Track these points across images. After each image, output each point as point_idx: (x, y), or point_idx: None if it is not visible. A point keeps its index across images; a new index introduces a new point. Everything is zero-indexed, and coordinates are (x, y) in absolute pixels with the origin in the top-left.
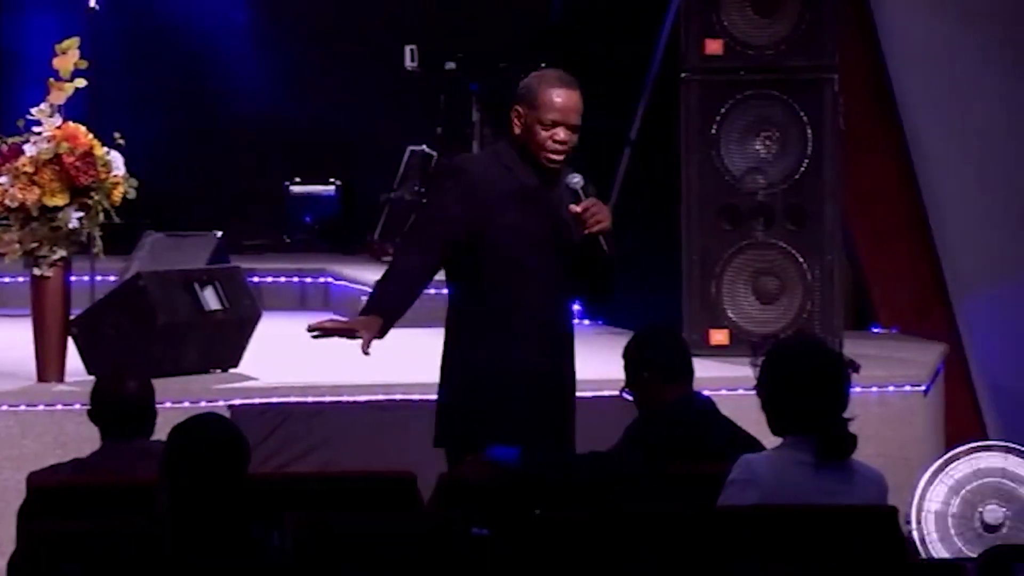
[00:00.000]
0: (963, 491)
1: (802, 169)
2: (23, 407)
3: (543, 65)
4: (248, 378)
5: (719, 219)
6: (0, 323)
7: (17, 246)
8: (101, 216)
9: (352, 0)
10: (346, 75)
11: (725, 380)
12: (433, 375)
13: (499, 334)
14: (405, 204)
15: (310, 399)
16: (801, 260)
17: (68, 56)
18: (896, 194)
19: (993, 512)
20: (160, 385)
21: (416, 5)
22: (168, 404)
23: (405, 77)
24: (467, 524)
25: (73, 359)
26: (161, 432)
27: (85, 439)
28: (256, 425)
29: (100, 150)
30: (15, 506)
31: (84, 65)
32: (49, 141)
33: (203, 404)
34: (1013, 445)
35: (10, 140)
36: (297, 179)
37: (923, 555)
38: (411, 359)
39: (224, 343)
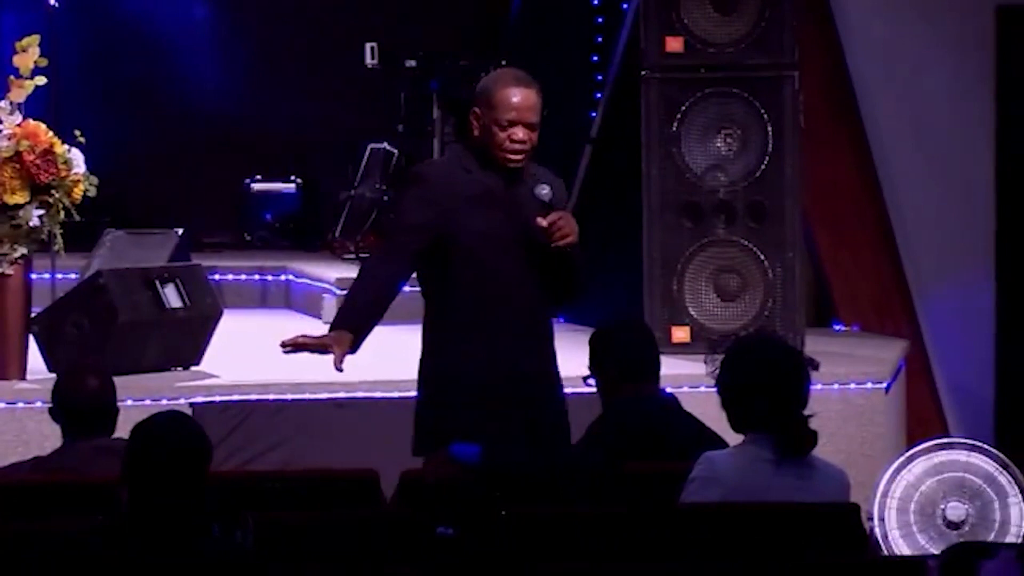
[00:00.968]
0: (925, 488)
1: (763, 166)
2: None
3: (503, 63)
4: (209, 376)
5: (680, 216)
6: None
7: None
8: (62, 214)
9: None
10: (306, 73)
11: (687, 377)
12: (395, 372)
13: (471, 337)
14: (366, 202)
15: (271, 397)
16: (762, 257)
17: (28, 54)
18: (857, 191)
19: (955, 509)
20: (121, 383)
21: (376, 3)
22: (129, 402)
23: (365, 75)
24: (432, 524)
25: (34, 357)
26: (122, 430)
27: (46, 437)
28: (217, 423)
29: (60, 148)
30: None
31: (44, 63)
32: (9, 139)
33: (164, 402)
34: (975, 442)
35: None
36: (258, 176)
37: (885, 552)
38: (373, 357)
39: (185, 341)
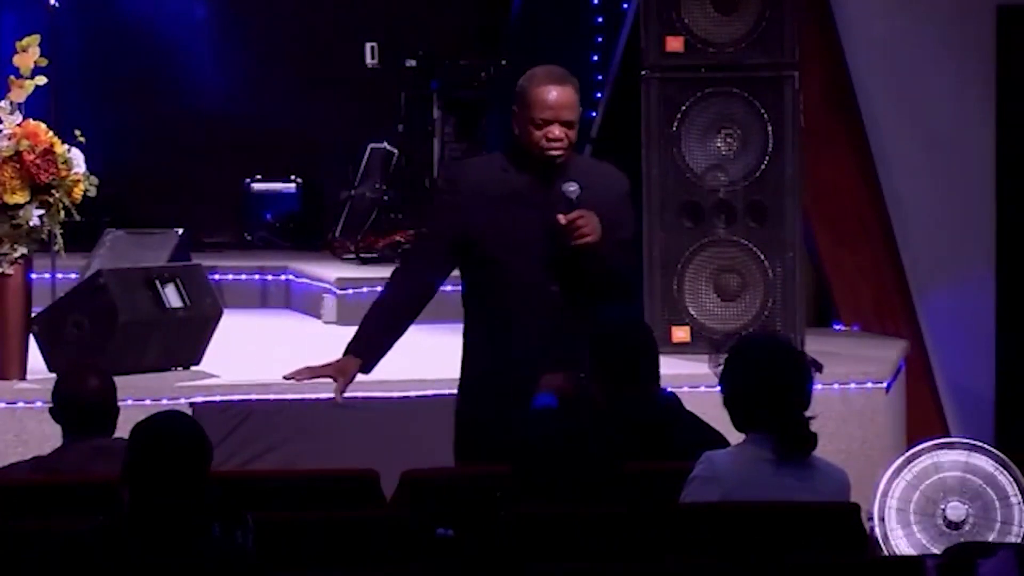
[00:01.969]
0: (925, 488)
1: (763, 166)
2: None
3: (503, 63)
4: (210, 376)
5: (680, 216)
6: None
7: None
8: (62, 214)
9: None
10: (307, 72)
11: (687, 377)
12: (396, 372)
13: (500, 338)
14: (366, 201)
15: (272, 397)
16: (762, 257)
17: (28, 53)
18: (857, 191)
19: (955, 509)
20: (121, 383)
21: (376, 3)
22: (130, 402)
23: (366, 74)
24: (432, 525)
25: (34, 357)
26: (123, 430)
27: (46, 437)
28: (218, 423)
29: (61, 148)
30: None
31: (44, 62)
32: (9, 139)
33: (164, 402)
34: (975, 441)
35: None
36: (258, 176)
37: (886, 552)
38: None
39: (185, 341)
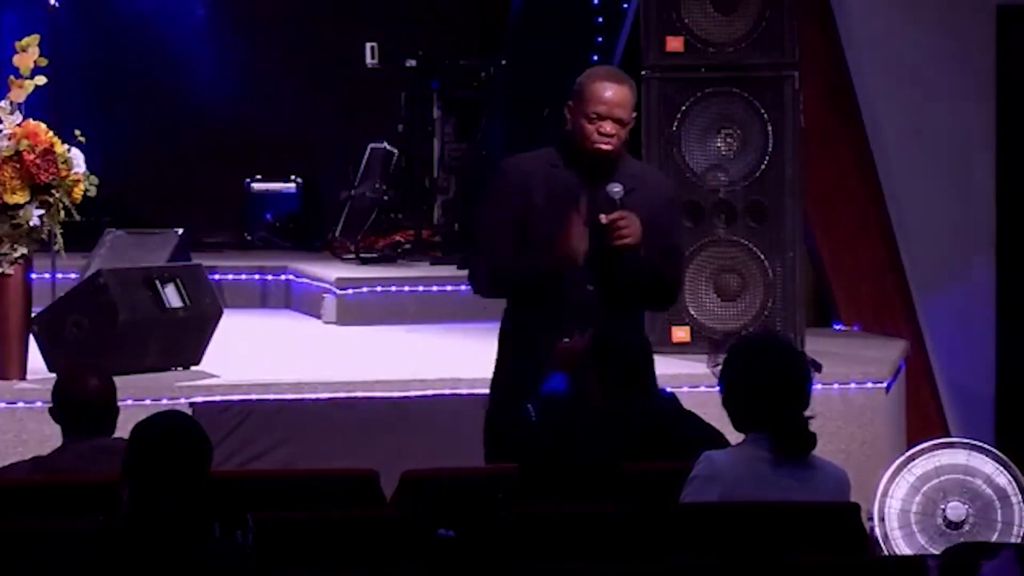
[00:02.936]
0: (925, 488)
1: (763, 166)
2: None
3: (503, 63)
4: (210, 376)
5: (681, 216)
6: None
7: None
8: (62, 214)
9: None
10: (307, 72)
11: (687, 377)
12: (396, 372)
13: (537, 336)
14: (366, 201)
15: (272, 397)
16: (762, 257)
17: (28, 53)
18: (857, 191)
19: (955, 509)
20: (121, 383)
21: (376, 3)
22: (130, 402)
23: (366, 74)
24: (433, 525)
25: (34, 357)
26: (123, 430)
27: (46, 437)
28: (218, 423)
29: (61, 147)
30: None
31: (44, 62)
32: (9, 139)
33: (165, 402)
34: (975, 442)
35: None
36: (258, 176)
37: (886, 552)
38: (373, 357)
39: (185, 340)
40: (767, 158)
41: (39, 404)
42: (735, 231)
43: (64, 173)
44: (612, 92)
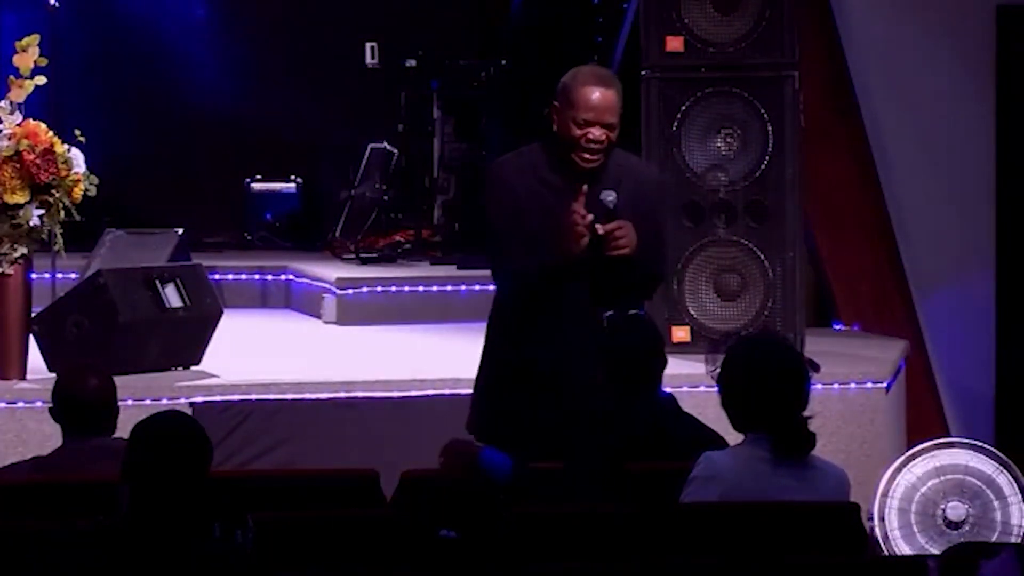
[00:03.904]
0: (925, 488)
1: (763, 166)
2: None
3: (503, 63)
4: (210, 375)
5: (680, 216)
6: None
7: None
8: (62, 213)
9: None
10: (307, 72)
11: (687, 377)
12: (396, 372)
13: (522, 333)
14: (366, 201)
15: (272, 396)
16: (762, 257)
17: (28, 53)
18: (857, 191)
19: (955, 509)
20: (122, 383)
21: (376, 3)
22: (130, 402)
23: (365, 74)
24: (434, 526)
25: (34, 357)
26: (123, 430)
27: (46, 437)
28: (218, 423)
29: (61, 147)
30: None
31: (44, 62)
32: (9, 138)
33: (165, 402)
34: (975, 441)
35: None
36: (258, 176)
37: (886, 552)
38: (373, 357)
39: (185, 340)
40: (767, 158)
41: (39, 404)
42: (735, 231)
43: (64, 173)
44: (600, 96)
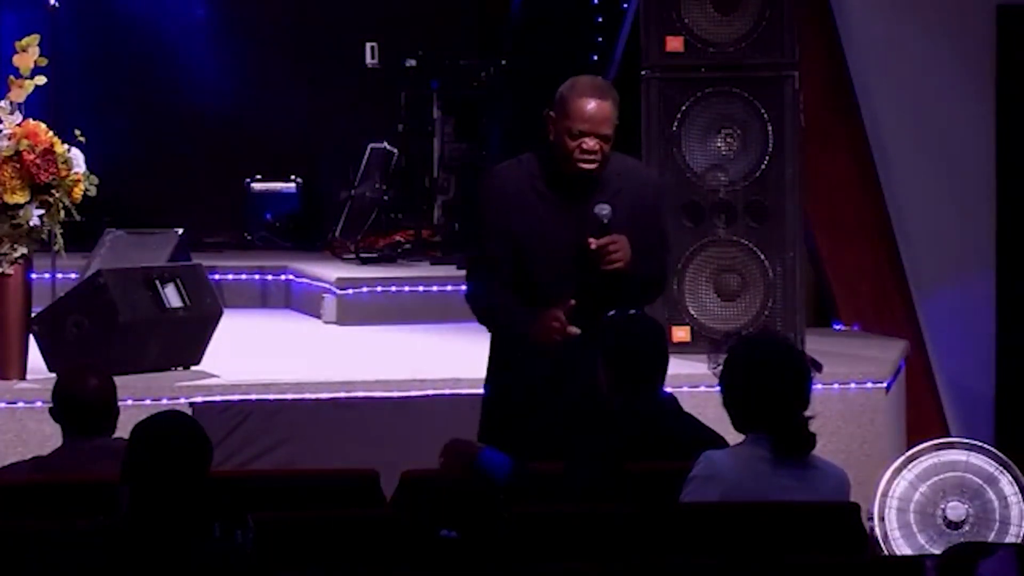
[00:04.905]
0: (925, 488)
1: (763, 166)
2: None
3: (503, 63)
4: (210, 376)
5: (680, 216)
6: None
7: None
8: (62, 213)
9: None
10: (307, 72)
11: (687, 377)
12: (395, 372)
13: (520, 340)
14: (366, 201)
15: (272, 396)
16: (763, 257)
17: (28, 53)
18: (857, 191)
19: (955, 509)
20: (122, 383)
21: (376, 3)
22: (130, 402)
23: (365, 74)
24: (434, 526)
25: (34, 357)
26: (123, 430)
27: (46, 437)
28: (218, 423)
29: (61, 147)
30: None
31: (44, 62)
32: (9, 138)
33: (165, 402)
34: (975, 441)
35: None
36: (258, 176)
37: (885, 551)
38: (373, 357)
39: (185, 340)
40: (767, 158)
41: (39, 404)
42: (735, 231)
43: (64, 173)
44: (595, 107)
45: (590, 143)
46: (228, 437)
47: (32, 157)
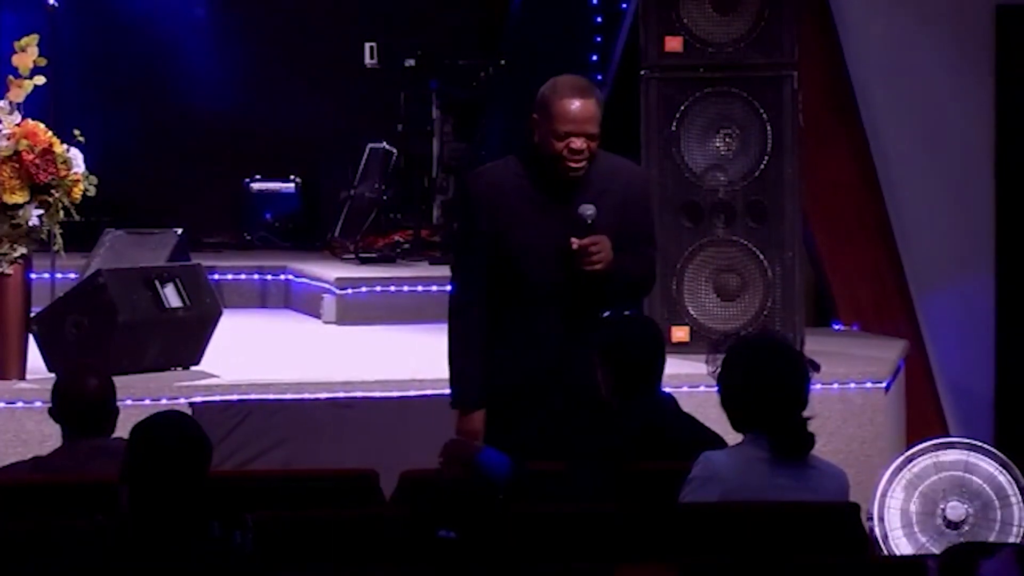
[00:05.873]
0: (925, 487)
1: (762, 166)
2: None
3: (503, 63)
4: (209, 375)
5: (680, 216)
6: None
7: None
8: (61, 213)
9: None
10: (306, 72)
11: (686, 377)
12: (395, 372)
13: (516, 344)
14: (365, 201)
15: (271, 396)
16: (762, 257)
17: (27, 53)
18: (856, 191)
19: (955, 509)
20: (121, 383)
21: (376, 3)
22: (129, 402)
23: (365, 74)
24: (434, 526)
25: (34, 357)
26: (122, 430)
27: (46, 437)
28: (217, 423)
29: (60, 147)
30: None
31: (43, 62)
32: (8, 138)
33: (164, 402)
34: (975, 441)
35: None
36: (257, 176)
37: (885, 551)
38: (373, 357)
39: (185, 340)
40: (766, 158)
41: (39, 404)
42: (734, 231)
43: (64, 173)
44: (579, 107)
45: (578, 143)
46: (228, 437)
47: (31, 157)
